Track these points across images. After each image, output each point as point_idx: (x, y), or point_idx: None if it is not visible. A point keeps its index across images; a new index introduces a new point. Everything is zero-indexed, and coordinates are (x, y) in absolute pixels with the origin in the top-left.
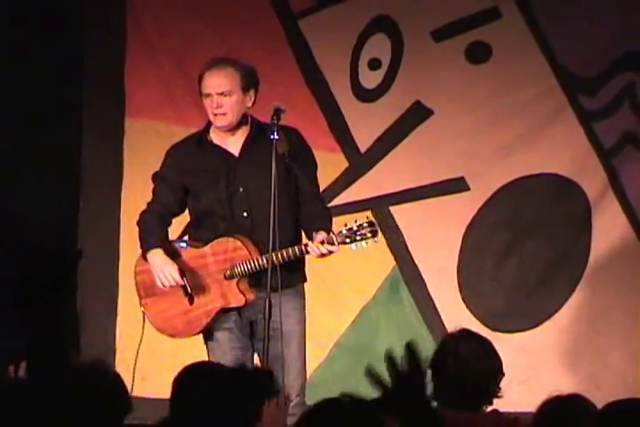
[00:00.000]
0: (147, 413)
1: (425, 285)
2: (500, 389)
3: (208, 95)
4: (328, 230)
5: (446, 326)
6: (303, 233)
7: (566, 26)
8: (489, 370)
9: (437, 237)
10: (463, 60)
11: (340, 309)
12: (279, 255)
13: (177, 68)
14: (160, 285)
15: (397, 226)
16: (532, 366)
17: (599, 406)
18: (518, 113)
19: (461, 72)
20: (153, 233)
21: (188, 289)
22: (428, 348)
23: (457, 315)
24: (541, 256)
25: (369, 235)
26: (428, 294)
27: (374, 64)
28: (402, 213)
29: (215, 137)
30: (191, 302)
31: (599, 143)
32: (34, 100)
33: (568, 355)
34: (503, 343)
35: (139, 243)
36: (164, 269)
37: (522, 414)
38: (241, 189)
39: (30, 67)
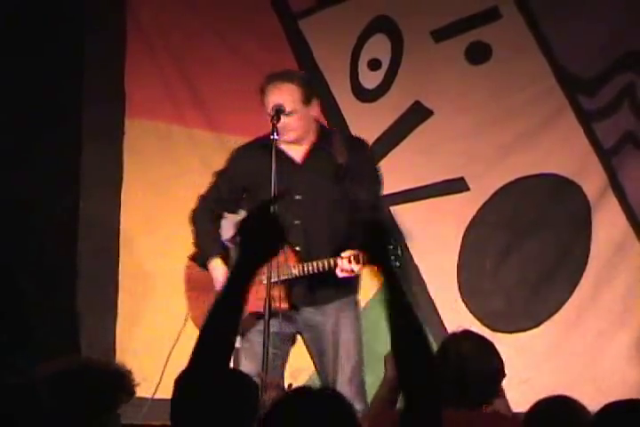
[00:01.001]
0: (148, 413)
1: (425, 284)
2: (501, 389)
3: (269, 115)
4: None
5: (446, 326)
6: None
7: (566, 26)
8: (490, 370)
9: (437, 237)
10: (463, 60)
11: None
12: (310, 266)
13: (177, 69)
14: None
15: (397, 226)
16: (532, 367)
17: (599, 406)
18: (518, 113)
19: (461, 72)
20: (211, 237)
21: None
22: None
23: (457, 315)
24: (541, 256)
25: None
26: (428, 294)
27: (374, 64)
28: (402, 214)
29: (282, 142)
30: None
31: (599, 143)
32: (34, 101)
33: (568, 355)
34: (503, 343)
35: (194, 242)
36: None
37: (522, 414)
38: (297, 197)
39: (30, 67)
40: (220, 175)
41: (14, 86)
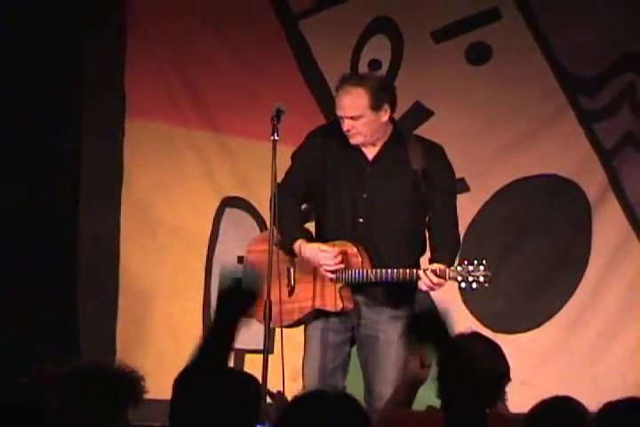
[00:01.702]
0: (147, 414)
1: None
2: (505, 392)
3: (340, 117)
4: (445, 260)
5: None
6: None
7: (566, 27)
8: (496, 373)
9: None
10: (463, 60)
11: None
12: (388, 275)
13: (177, 69)
14: (332, 266)
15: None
16: (533, 367)
17: (599, 407)
18: (518, 114)
19: (461, 73)
20: (292, 221)
21: (292, 281)
22: (428, 349)
23: (457, 316)
24: (541, 257)
25: (481, 279)
26: (428, 295)
27: (374, 65)
28: None
29: None
30: (290, 293)
31: (599, 144)
32: (34, 101)
33: (568, 355)
34: (503, 344)
35: (277, 225)
36: (318, 259)
37: (522, 415)
38: (364, 195)
39: (30, 67)
40: (296, 159)
41: (14, 87)
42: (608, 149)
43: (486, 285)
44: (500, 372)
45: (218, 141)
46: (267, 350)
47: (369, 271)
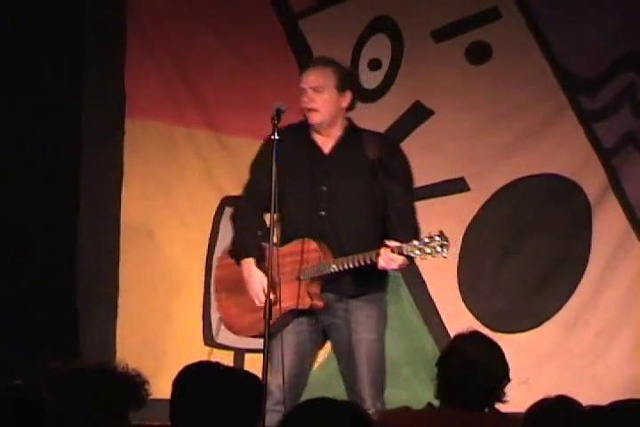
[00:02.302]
0: (147, 413)
1: (425, 284)
2: (504, 393)
3: (303, 90)
4: (405, 242)
5: (446, 327)
6: None
7: (566, 26)
8: (495, 374)
9: None
10: (463, 60)
11: None
12: (348, 261)
13: (177, 69)
14: (256, 303)
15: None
16: (533, 367)
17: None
18: (518, 113)
19: (462, 72)
20: (247, 235)
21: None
22: (427, 348)
23: (457, 315)
24: (541, 256)
25: (438, 249)
26: (428, 294)
27: (374, 64)
28: None
29: (313, 133)
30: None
31: (599, 143)
32: (34, 101)
33: (568, 355)
34: (503, 343)
35: (232, 240)
36: (252, 289)
37: (521, 415)
38: (324, 188)
39: (30, 67)
40: (254, 168)
41: (15, 86)
42: (608, 148)
43: (445, 253)
44: (499, 372)
45: (218, 141)
46: (267, 349)
47: (331, 262)
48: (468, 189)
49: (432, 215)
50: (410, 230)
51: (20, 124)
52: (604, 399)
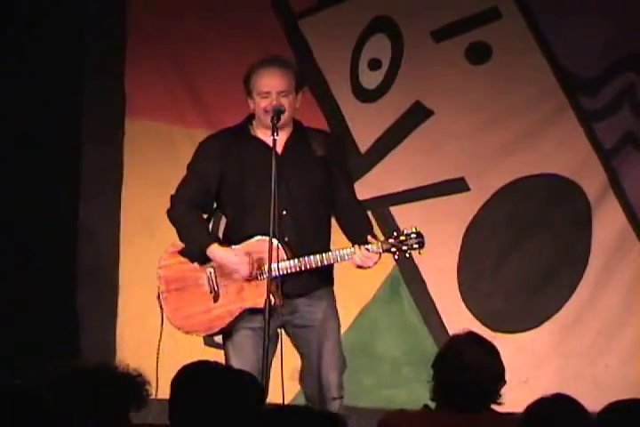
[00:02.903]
0: (147, 413)
1: (425, 285)
2: (500, 395)
3: (266, 94)
4: (372, 236)
5: (446, 327)
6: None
7: (566, 26)
8: (491, 376)
9: (437, 237)
10: (463, 60)
11: (340, 308)
12: (321, 259)
13: (177, 69)
14: (247, 271)
15: (398, 226)
16: (533, 367)
17: (599, 406)
18: (518, 113)
19: (461, 72)
20: (199, 227)
21: (215, 286)
22: (427, 348)
23: (457, 315)
24: (542, 256)
25: (415, 246)
26: (428, 294)
27: (374, 64)
28: (402, 214)
29: (257, 133)
30: (216, 299)
31: (599, 144)
32: (33, 101)
33: (569, 355)
34: (503, 344)
35: (181, 237)
36: (234, 264)
37: (518, 416)
38: (283, 187)
39: (30, 67)
40: (190, 171)
41: (15, 87)
42: (608, 148)
43: (421, 251)
44: (495, 374)
45: None
46: (267, 350)
47: (300, 260)
48: (468, 189)
49: (432, 215)
50: (369, 226)
51: (21, 124)
52: (603, 399)
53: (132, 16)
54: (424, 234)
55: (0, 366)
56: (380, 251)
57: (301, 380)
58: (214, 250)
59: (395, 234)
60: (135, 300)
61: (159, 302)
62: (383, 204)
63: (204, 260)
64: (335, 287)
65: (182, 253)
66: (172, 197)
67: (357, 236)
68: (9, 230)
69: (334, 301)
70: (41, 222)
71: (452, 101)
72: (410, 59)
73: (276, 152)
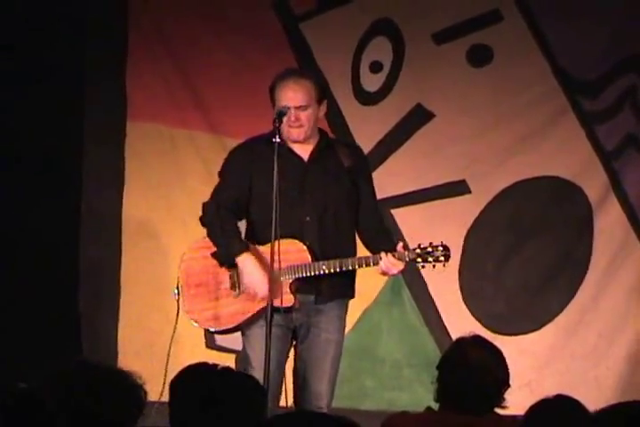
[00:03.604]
0: (148, 416)
1: (426, 287)
2: (504, 399)
3: (285, 109)
4: (393, 246)
5: (448, 329)
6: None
7: (567, 28)
8: (496, 379)
9: (439, 239)
10: (464, 62)
11: None
12: (346, 264)
13: (179, 71)
14: (257, 295)
15: (399, 229)
16: (534, 369)
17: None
18: (520, 116)
19: (463, 75)
20: (233, 234)
21: (237, 283)
22: (429, 350)
23: (458, 317)
24: (543, 259)
25: (441, 258)
26: (430, 297)
27: (375, 67)
28: (403, 216)
29: (283, 140)
30: (236, 295)
31: (600, 146)
32: (35, 103)
33: (570, 357)
34: (505, 346)
35: (213, 243)
36: (255, 282)
37: (522, 417)
38: (307, 195)
39: (31, 69)
40: (223, 178)
41: (16, 88)
42: (609, 150)
43: (446, 263)
44: (499, 377)
45: (219, 143)
46: (268, 350)
47: (325, 263)
48: (470, 192)
49: (433, 218)
50: (391, 235)
51: (22, 126)
52: (605, 402)
53: (133, 18)
54: (425, 237)
55: (2, 368)
56: (407, 259)
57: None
58: (245, 261)
59: (422, 245)
60: (137, 301)
61: (177, 294)
62: (384, 206)
63: (232, 265)
64: None
65: (213, 255)
66: (204, 204)
67: (375, 245)
68: (11, 232)
69: (345, 311)
70: (42, 224)
71: (454, 104)
72: (411, 61)
73: (301, 159)
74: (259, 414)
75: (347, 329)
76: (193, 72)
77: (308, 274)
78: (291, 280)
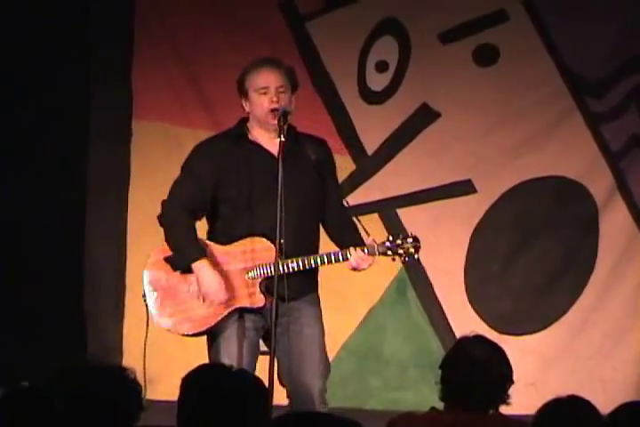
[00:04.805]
0: (154, 415)
1: (432, 287)
2: (508, 396)
3: (265, 90)
4: (362, 240)
5: (453, 329)
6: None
7: (574, 28)
8: (499, 376)
9: (444, 239)
10: (471, 62)
11: (347, 311)
12: (315, 259)
13: (184, 70)
14: (215, 302)
15: (405, 228)
16: (539, 369)
17: (607, 409)
18: (526, 115)
19: (469, 74)
20: (192, 238)
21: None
22: (434, 350)
23: (464, 317)
24: (548, 259)
25: (411, 250)
26: (435, 297)
27: (381, 66)
28: (409, 216)
29: (253, 135)
30: (204, 298)
31: (606, 146)
32: (41, 103)
33: (575, 357)
34: (510, 346)
35: (169, 244)
36: (213, 289)
37: (528, 417)
38: (280, 189)
39: (37, 68)
40: (186, 174)
41: (22, 87)
42: (615, 150)
43: (416, 255)
44: (503, 375)
45: None
46: (274, 350)
47: (292, 260)
48: (476, 192)
49: (439, 217)
50: (355, 228)
51: (28, 125)
52: (610, 402)
53: (138, 17)
54: (431, 237)
55: (7, 367)
56: (376, 254)
57: (282, 385)
58: (201, 267)
59: (391, 238)
60: (142, 301)
61: (144, 300)
62: (390, 206)
63: (187, 271)
64: (342, 290)
65: (167, 259)
66: (163, 201)
67: (344, 240)
68: (16, 232)
69: (319, 306)
70: (48, 224)
71: (460, 104)
72: (417, 61)
73: (270, 155)
74: (265, 414)
75: (352, 329)
76: (198, 71)
77: (279, 272)
78: (260, 279)
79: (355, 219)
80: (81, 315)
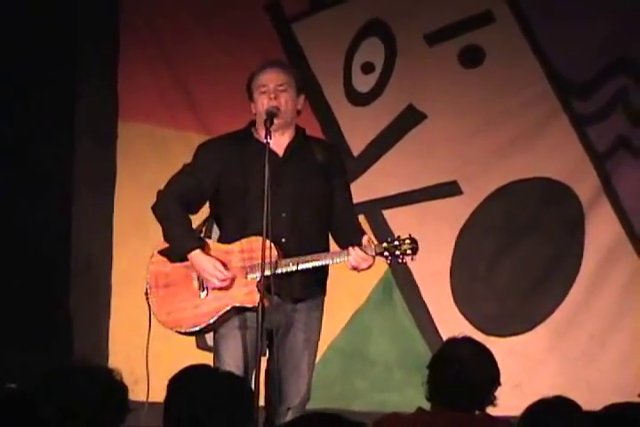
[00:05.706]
0: (140, 416)
1: (418, 288)
2: (495, 397)
3: (264, 88)
4: (368, 239)
5: (439, 330)
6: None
7: (559, 30)
8: (486, 378)
9: (430, 240)
10: (456, 63)
11: (334, 312)
12: (313, 259)
13: (171, 72)
14: (217, 283)
15: (390, 230)
16: (525, 370)
17: (593, 409)
18: (511, 117)
19: (455, 76)
20: (184, 229)
21: (205, 283)
22: (420, 351)
23: (450, 318)
24: (534, 260)
25: (409, 251)
26: (421, 298)
27: (367, 68)
28: (395, 217)
29: (259, 136)
30: (204, 296)
31: (592, 147)
32: (27, 104)
33: (561, 358)
34: (496, 347)
35: (165, 235)
36: (210, 270)
37: (514, 418)
38: (284, 190)
39: (24, 69)
40: (185, 171)
41: (7, 88)
42: (601, 152)
43: (414, 257)
44: (490, 376)
45: None
46: (259, 351)
47: (291, 260)
48: (461, 193)
49: (425, 219)
50: (362, 233)
51: (14, 125)
52: (596, 403)
53: (124, 18)
54: (417, 238)
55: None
56: (374, 253)
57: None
58: (196, 256)
59: (389, 239)
60: (128, 301)
61: (146, 297)
62: (376, 207)
63: (183, 260)
64: (328, 291)
65: (163, 252)
66: (159, 192)
67: (349, 241)
68: (2, 230)
69: (322, 310)
70: (34, 224)
71: (445, 105)
72: (403, 62)
73: (276, 155)
74: (250, 416)
75: (338, 331)
76: (185, 72)
77: (276, 272)
78: (258, 279)
79: None
80: (67, 315)
